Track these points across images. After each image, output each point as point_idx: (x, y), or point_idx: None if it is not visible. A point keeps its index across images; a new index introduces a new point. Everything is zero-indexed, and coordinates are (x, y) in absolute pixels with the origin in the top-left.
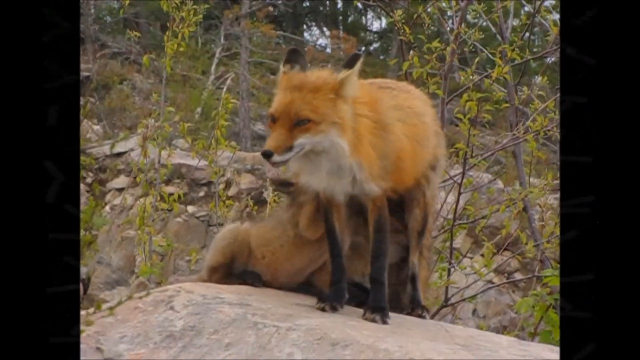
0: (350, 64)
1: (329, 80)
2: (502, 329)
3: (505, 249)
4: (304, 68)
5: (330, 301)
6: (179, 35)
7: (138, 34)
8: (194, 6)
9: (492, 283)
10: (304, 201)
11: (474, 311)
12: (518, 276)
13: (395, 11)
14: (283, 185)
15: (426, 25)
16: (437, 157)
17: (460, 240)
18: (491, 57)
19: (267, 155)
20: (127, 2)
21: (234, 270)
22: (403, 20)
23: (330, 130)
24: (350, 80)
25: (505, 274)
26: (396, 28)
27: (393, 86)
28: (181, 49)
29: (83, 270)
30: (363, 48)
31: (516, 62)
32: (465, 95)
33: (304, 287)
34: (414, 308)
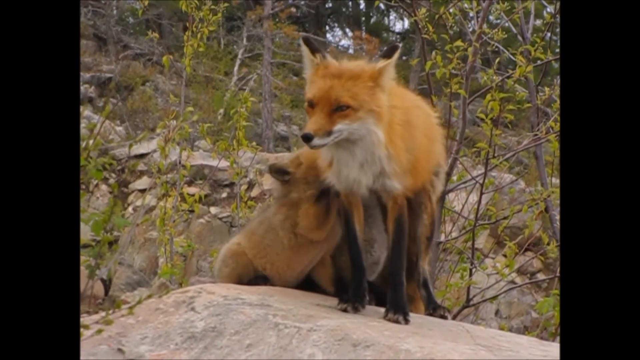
0: (388, 54)
1: (367, 69)
2: (524, 330)
3: (527, 249)
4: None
5: (352, 302)
6: (199, 35)
7: (157, 35)
8: (213, 6)
9: (515, 283)
10: (298, 200)
11: (497, 312)
12: (541, 276)
13: (418, 10)
14: (280, 172)
15: (449, 25)
16: (440, 163)
17: (482, 241)
18: (512, 57)
19: (307, 138)
20: (147, 2)
21: (243, 282)
22: (427, 19)
23: (368, 118)
24: (388, 70)
25: (528, 275)
26: (419, 27)
27: (401, 88)
28: (200, 49)
29: (104, 271)
30: (385, 49)
31: (538, 62)
32: (488, 96)
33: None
34: (435, 309)
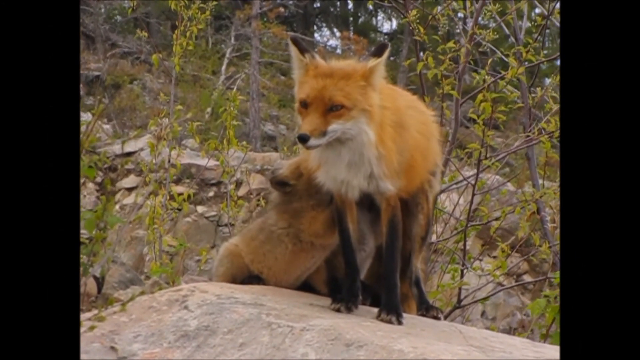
0: (378, 52)
1: (359, 68)
2: (511, 331)
3: (515, 251)
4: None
5: (345, 302)
6: (188, 34)
7: (146, 34)
8: (202, 4)
9: (502, 285)
10: (300, 208)
11: (483, 313)
12: (527, 278)
13: (409, 11)
14: (281, 184)
15: (440, 26)
16: (436, 163)
17: (470, 242)
18: (504, 58)
19: (303, 139)
20: (136, 1)
21: (237, 282)
22: (417, 21)
23: (360, 117)
24: (379, 68)
25: (514, 276)
26: (410, 28)
27: (394, 87)
28: (190, 48)
29: (96, 268)
30: (375, 47)
31: (530, 63)
32: (480, 96)
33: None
34: (428, 309)
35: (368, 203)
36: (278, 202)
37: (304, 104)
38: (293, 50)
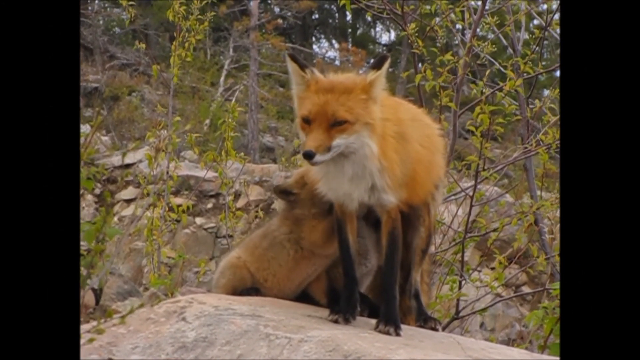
0: (377, 65)
1: (359, 81)
2: (510, 342)
3: (513, 262)
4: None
5: (343, 313)
6: (186, 45)
7: (144, 46)
8: (200, 16)
9: (501, 296)
10: (302, 216)
11: (482, 324)
12: (526, 289)
13: (408, 24)
14: (285, 193)
15: (438, 38)
16: (440, 176)
17: (469, 254)
18: (503, 70)
19: (309, 155)
20: (133, 13)
21: (236, 294)
22: (416, 34)
23: (363, 131)
24: (379, 81)
25: (513, 287)
26: (409, 41)
27: (399, 100)
28: (188, 59)
29: (95, 280)
30: (372, 61)
31: (528, 75)
32: (477, 108)
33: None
34: (426, 320)
35: (373, 220)
36: (283, 208)
37: (307, 120)
38: (292, 66)
